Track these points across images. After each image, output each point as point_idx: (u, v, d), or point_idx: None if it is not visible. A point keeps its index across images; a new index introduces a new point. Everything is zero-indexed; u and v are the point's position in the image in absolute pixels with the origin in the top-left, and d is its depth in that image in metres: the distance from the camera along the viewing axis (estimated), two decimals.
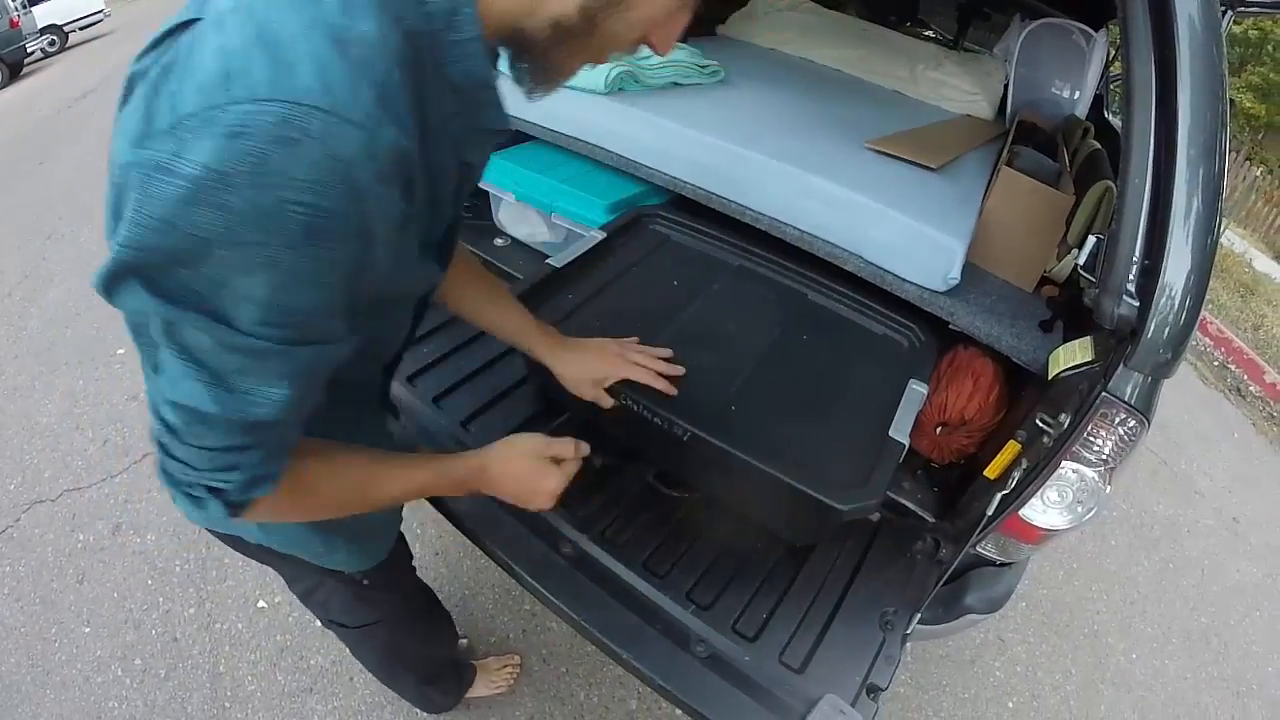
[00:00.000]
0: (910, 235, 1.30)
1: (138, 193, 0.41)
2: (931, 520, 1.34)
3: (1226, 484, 2.86)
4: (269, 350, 0.47)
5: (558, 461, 0.86)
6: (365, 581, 0.99)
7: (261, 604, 1.75)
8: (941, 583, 1.21)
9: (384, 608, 1.10)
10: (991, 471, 1.21)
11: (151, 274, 0.43)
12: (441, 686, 1.49)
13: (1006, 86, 2.23)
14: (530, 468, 0.83)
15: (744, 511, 1.22)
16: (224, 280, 0.43)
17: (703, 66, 1.76)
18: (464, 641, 1.67)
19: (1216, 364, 3.94)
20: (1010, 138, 1.83)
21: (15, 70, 8.46)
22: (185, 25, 0.45)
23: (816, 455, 1.09)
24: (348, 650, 1.29)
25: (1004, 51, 2.30)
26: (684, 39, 1.86)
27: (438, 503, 1.15)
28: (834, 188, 1.34)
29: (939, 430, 1.41)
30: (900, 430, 1.12)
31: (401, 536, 1.07)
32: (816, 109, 1.75)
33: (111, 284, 0.44)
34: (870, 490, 1.01)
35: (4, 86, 8.08)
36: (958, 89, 2.18)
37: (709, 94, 1.73)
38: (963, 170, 1.60)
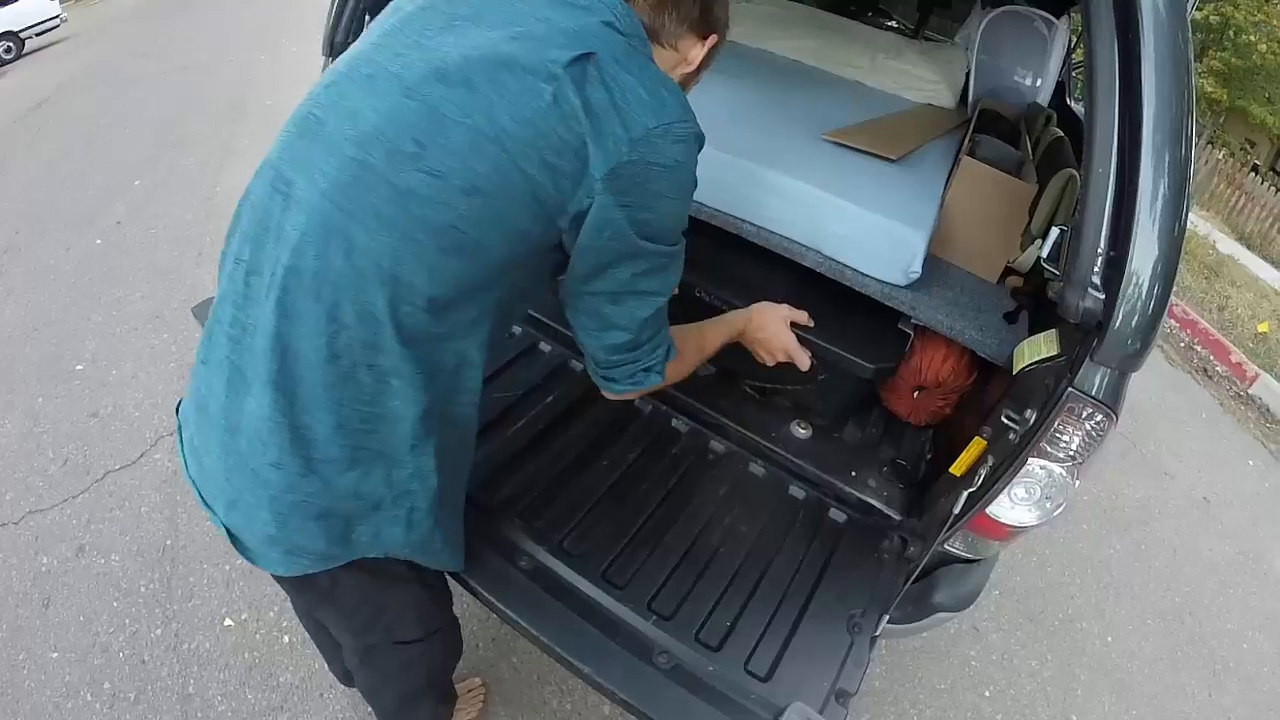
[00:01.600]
0: (869, 228, 1.29)
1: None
2: (898, 518, 1.33)
3: (1196, 464, 2.89)
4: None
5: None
6: (444, 580, 1.04)
7: (228, 622, 1.72)
8: (910, 582, 1.20)
9: (446, 610, 1.10)
10: (957, 469, 1.20)
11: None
12: (450, 710, 1.42)
13: (968, 75, 2.22)
14: (779, 326, 1.13)
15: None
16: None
17: None
18: None
19: (1183, 345, 3.98)
20: (972, 126, 1.82)
21: None
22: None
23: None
24: (323, 670, 1.23)
25: (965, 40, 2.28)
26: None
27: None
28: (789, 181, 1.32)
29: (916, 394, 1.42)
30: None
31: None
32: (773, 101, 1.73)
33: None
34: None
35: None
36: (919, 78, 2.16)
37: None
38: (923, 161, 1.59)
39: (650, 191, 0.72)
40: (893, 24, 2.55)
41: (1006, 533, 1.14)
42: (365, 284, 0.67)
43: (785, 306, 1.14)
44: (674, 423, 1.37)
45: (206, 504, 0.81)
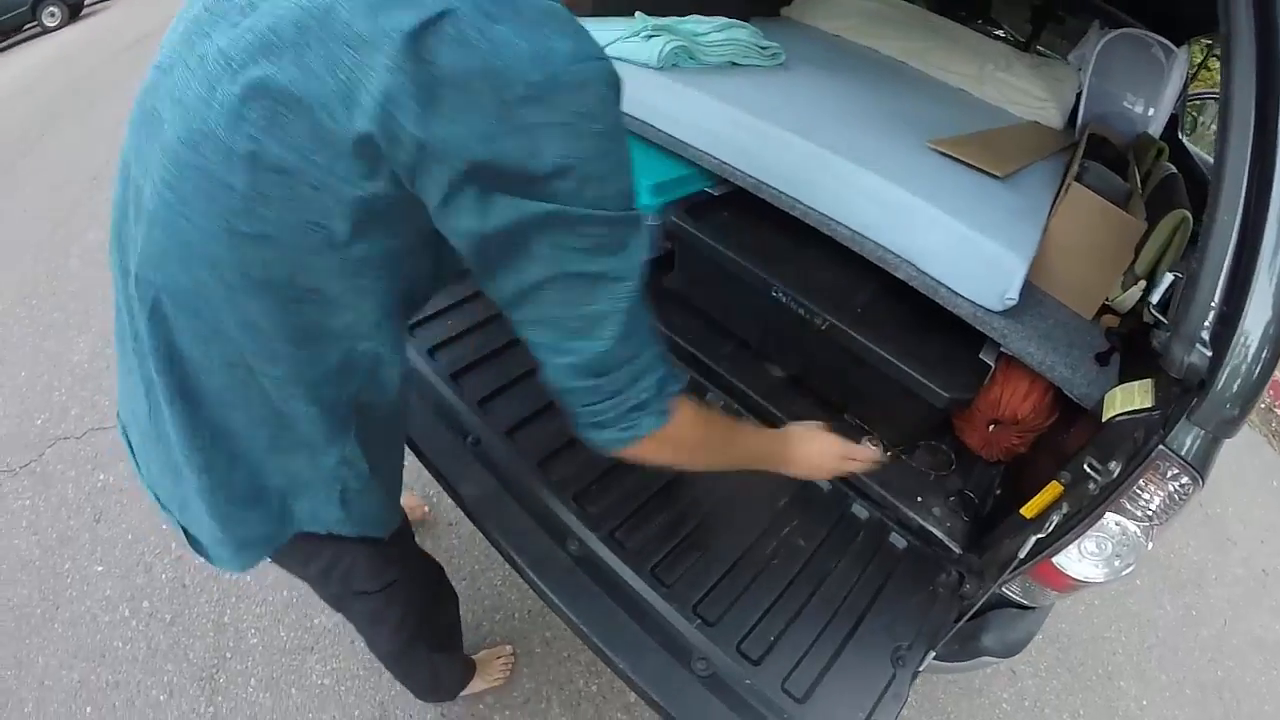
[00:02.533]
0: (968, 247, 1.22)
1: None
2: (958, 552, 1.27)
3: (1260, 534, 2.74)
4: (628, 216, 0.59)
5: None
6: (385, 539, 0.99)
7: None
8: (962, 620, 1.16)
9: (400, 564, 1.09)
10: (1029, 510, 1.15)
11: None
12: (450, 658, 1.45)
13: (1078, 95, 2.11)
14: (829, 459, 1.00)
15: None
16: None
17: (763, 48, 1.68)
18: None
19: (1263, 406, 3.76)
20: (1081, 151, 1.72)
21: (76, 10, 8.51)
22: None
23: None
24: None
25: (1079, 59, 2.16)
26: (745, 17, 1.77)
27: (445, 483, 1.13)
28: (889, 187, 1.26)
29: (991, 428, 1.36)
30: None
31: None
32: (877, 101, 1.66)
33: None
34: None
35: (64, 26, 8.16)
36: (1027, 93, 2.06)
37: (766, 77, 1.64)
38: (1028, 181, 1.50)
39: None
40: (1000, 33, 2.43)
41: (1068, 585, 1.09)
42: (237, 295, 0.60)
43: (830, 437, 1.01)
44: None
45: (165, 507, 0.80)
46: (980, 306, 1.25)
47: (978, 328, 1.26)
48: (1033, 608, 1.24)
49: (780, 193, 1.34)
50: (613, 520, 1.12)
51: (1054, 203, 1.46)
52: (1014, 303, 1.23)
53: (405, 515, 1.12)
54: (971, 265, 1.23)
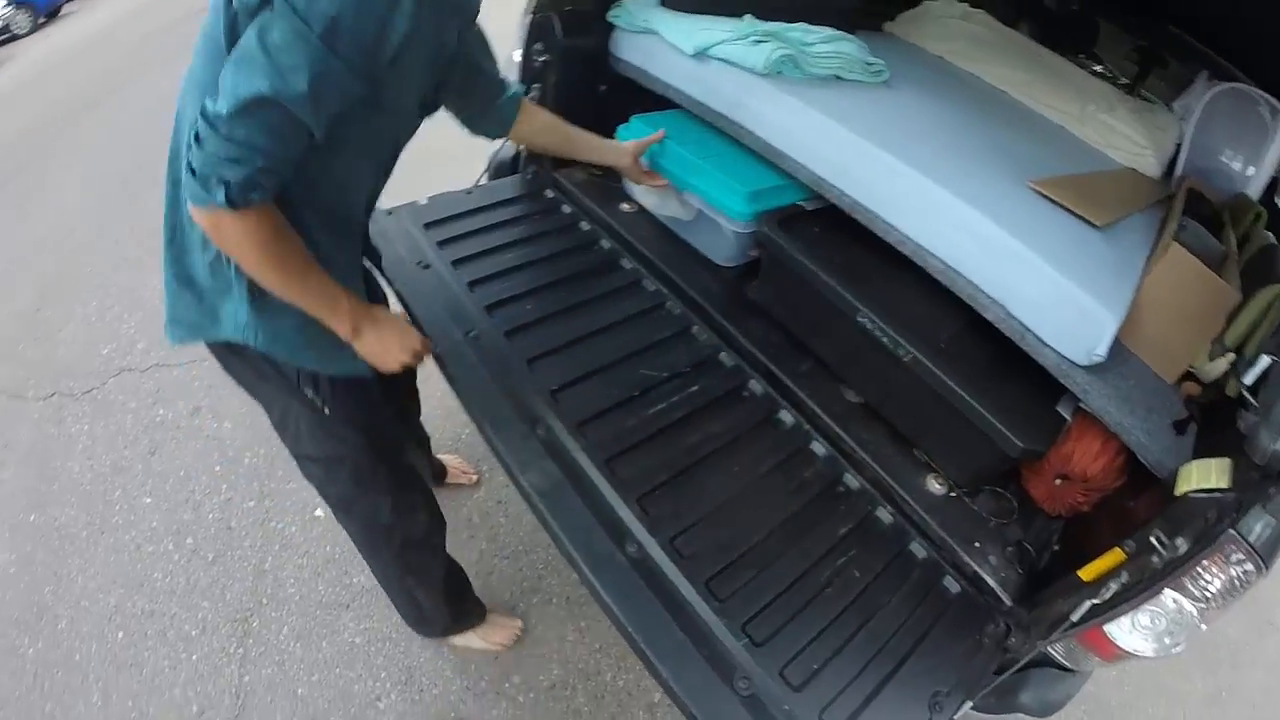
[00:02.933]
0: (1062, 297, 1.19)
1: None
2: (1009, 604, 1.25)
3: None
4: (316, 43, 0.71)
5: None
6: (327, 410, 1.09)
7: (319, 513, 1.79)
8: (1004, 674, 1.14)
9: (347, 443, 1.16)
10: (1087, 573, 1.13)
11: None
12: (430, 592, 1.43)
13: (1179, 147, 2.03)
14: (398, 339, 1.05)
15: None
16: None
17: (868, 64, 1.64)
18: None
19: None
20: (1180, 206, 1.66)
21: (53, 13, 8.60)
22: None
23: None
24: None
25: (1184, 109, 2.08)
26: (851, 30, 1.74)
27: (508, 467, 1.14)
28: (989, 224, 1.23)
29: (1059, 481, 1.33)
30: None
31: (377, 393, 1.17)
32: (978, 130, 1.62)
33: None
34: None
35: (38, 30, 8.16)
36: (1127, 139, 1.99)
37: (870, 94, 1.61)
38: (1125, 233, 1.46)
39: None
40: (1100, 69, 2.35)
41: (1115, 654, 1.07)
42: (188, 106, 0.85)
43: (410, 334, 1.09)
44: (814, 445, 1.32)
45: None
46: (1065, 358, 1.22)
47: (1060, 379, 1.23)
48: (1074, 671, 1.21)
49: (876, 216, 1.32)
50: (673, 527, 1.12)
51: (1149, 258, 1.42)
52: (1101, 359, 1.20)
53: (372, 405, 1.21)
54: (1063, 316, 1.20)
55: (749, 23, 1.55)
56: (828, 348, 1.42)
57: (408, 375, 1.30)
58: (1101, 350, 1.18)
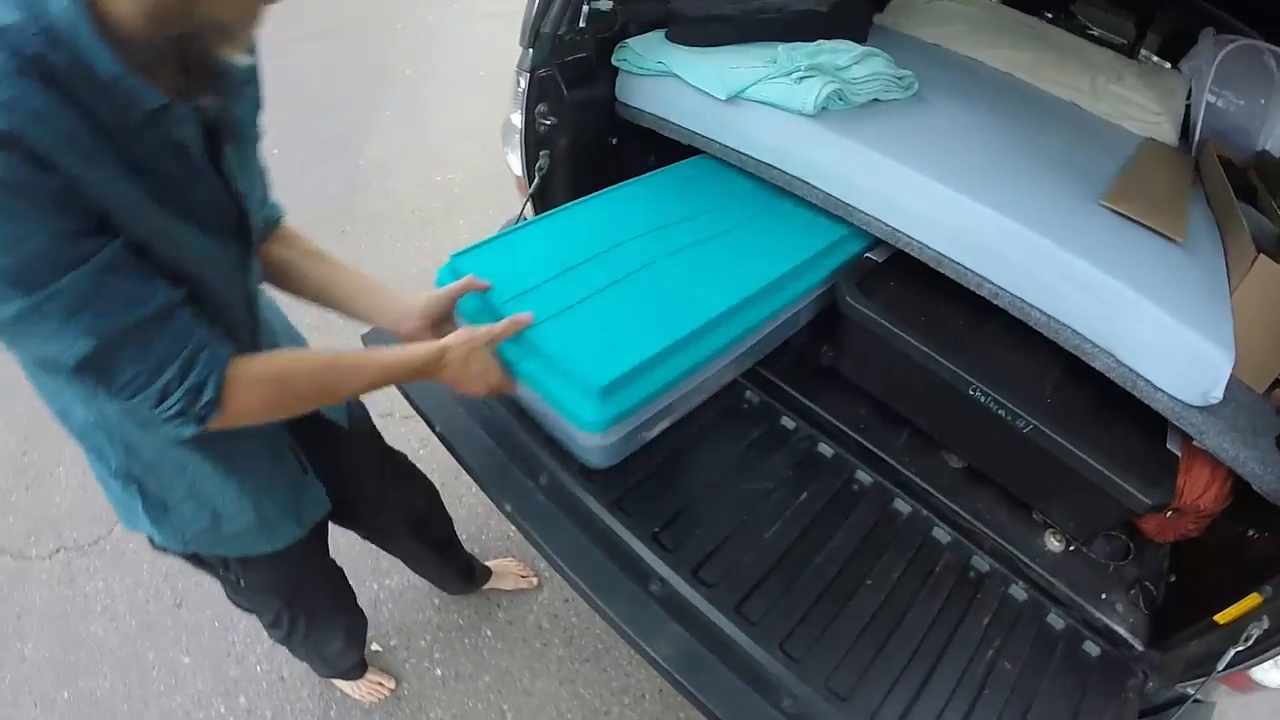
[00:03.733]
0: (1175, 340, 1.13)
1: None
2: (1140, 649, 1.23)
3: None
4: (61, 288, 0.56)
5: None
6: (241, 583, 1.07)
7: (375, 647, 1.65)
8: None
9: (268, 605, 1.18)
10: (1223, 618, 1.11)
11: None
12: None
13: (1187, 107, 1.99)
14: (487, 363, 0.97)
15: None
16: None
17: (899, 78, 1.52)
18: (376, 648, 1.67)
19: None
20: (1224, 182, 1.63)
21: None
22: None
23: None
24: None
25: (1192, 69, 2.03)
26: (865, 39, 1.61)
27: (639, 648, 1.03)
28: (1096, 272, 1.14)
29: (1169, 514, 1.30)
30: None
31: (300, 557, 1.06)
32: (1022, 139, 1.52)
33: None
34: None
35: None
36: (1141, 108, 1.93)
37: (912, 117, 1.49)
38: (1197, 237, 1.40)
39: None
40: (1095, 33, 2.27)
41: (1249, 689, 1.07)
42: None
43: (481, 327, 0.97)
44: (935, 532, 1.24)
45: None
46: (1179, 401, 1.17)
47: (1175, 423, 1.18)
48: (1202, 701, 1.21)
49: (967, 270, 1.23)
50: (826, 668, 1.03)
51: (1226, 263, 1.38)
52: (1218, 400, 1.15)
53: (325, 576, 1.25)
54: (1176, 360, 1.15)
55: (783, 53, 1.40)
56: (924, 414, 1.34)
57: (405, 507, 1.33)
58: (1218, 393, 1.14)
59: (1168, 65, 2.13)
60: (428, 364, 0.89)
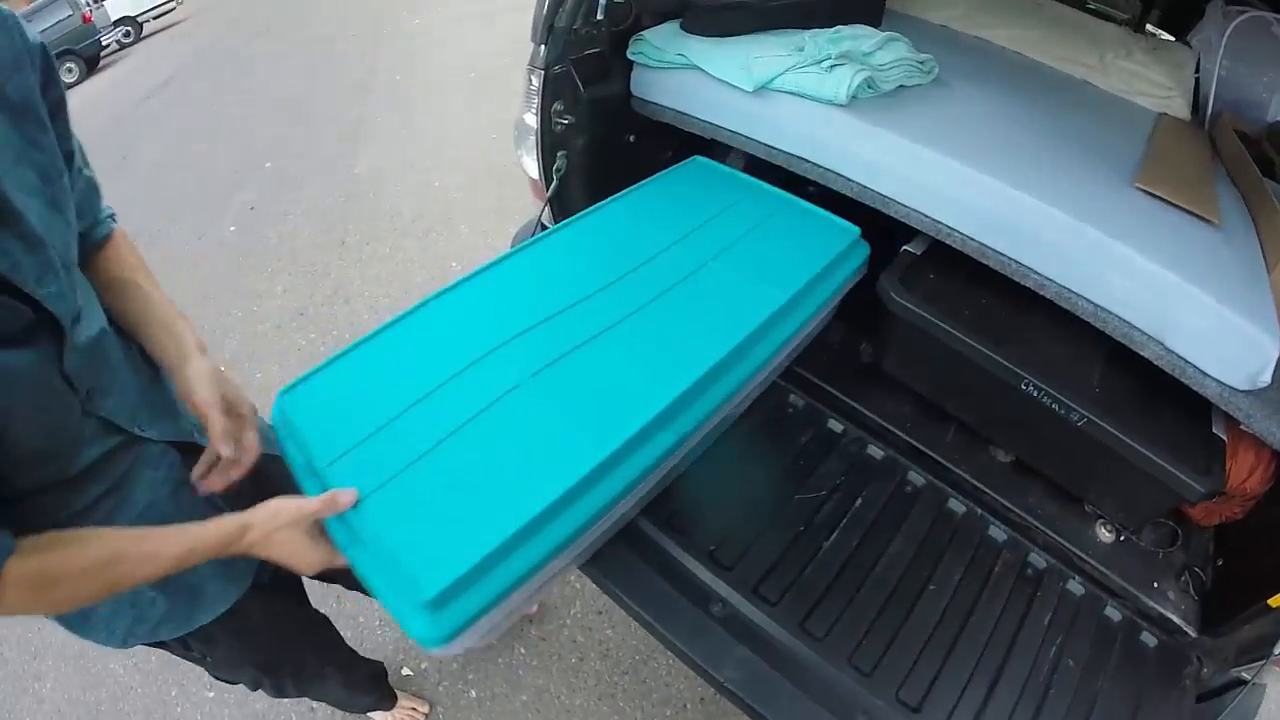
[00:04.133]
0: (1224, 327, 1.11)
1: None
2: (1193, 635, 1.23)
3: None
4: None
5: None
6: (209, 660, 1.03)
7: (406, 671, 1.61)
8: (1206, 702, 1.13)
9: (244, 673, 1.13)
10: (1276, 601, 1.11)
11: None
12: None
13: (1196, 80, 1.98)
14: (297, 544, 0.79)
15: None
16: None
17: (920, 62, 1.48)
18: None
19: None
20: (1246, 157, 1.62)
21: (92, 64, 8.62)
22: None
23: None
24: None
25: (1202, 42, 2.01)
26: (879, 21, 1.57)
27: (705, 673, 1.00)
28: (1144, 261, 1.13)
29: (1216, 499, 1.30)
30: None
31: (258, 613, 1.01)
32: (1049, 123, 1.49)
33: None
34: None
35: (81, 81, 8.16)
36: (1152, 83, 1.91)
37: (940, 103, 1.45)
38: (1230, 220, 1.39)
39: None
40: (1093, 5, 2.25)
41: None
42: None
43: (294, 501, 0.79)
44: (991, 531, 1.23)
45: None
46: (1228, 387, 1.16)
47: (1223, 408, 1.17)
48: (1254, 684, 1.21)
49: (1013, 261, 1.19)
50: (896, 678, 1.01)
51: (1260, 242, 1.37)
52: (1266, 384, 1.14)
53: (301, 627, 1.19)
54: (1223, 344, 1.13)
55: (809, 41, 1.35)
56: (973, 410, 1.31)
57: None
58: (1267, 377, 1.12)
59: (1173, 39, 2.11)
60: (224, 546, 0.74)
